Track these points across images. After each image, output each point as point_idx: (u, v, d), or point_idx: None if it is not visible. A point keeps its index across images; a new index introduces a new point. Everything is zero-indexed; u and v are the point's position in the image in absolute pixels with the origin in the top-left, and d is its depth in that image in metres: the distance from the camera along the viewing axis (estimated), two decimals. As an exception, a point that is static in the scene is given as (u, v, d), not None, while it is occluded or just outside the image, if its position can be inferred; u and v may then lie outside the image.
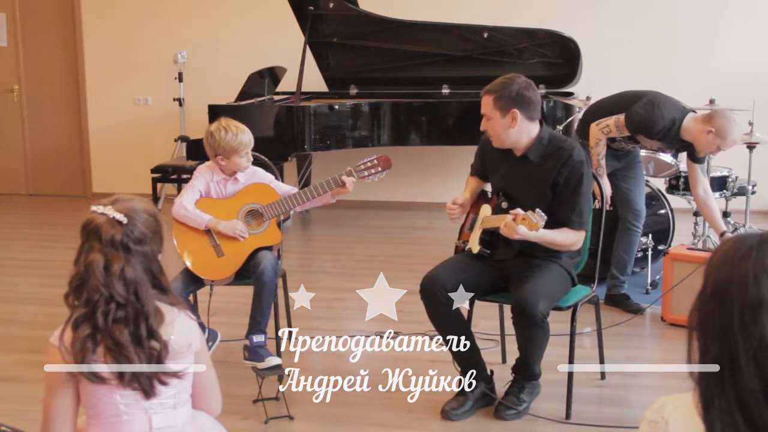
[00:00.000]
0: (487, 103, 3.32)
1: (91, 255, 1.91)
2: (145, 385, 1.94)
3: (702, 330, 1.41)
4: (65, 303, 1.96)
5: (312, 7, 6.59)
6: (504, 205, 3.39)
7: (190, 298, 3.79)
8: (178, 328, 2.01)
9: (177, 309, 2.03)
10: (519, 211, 3.11)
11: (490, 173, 3.55)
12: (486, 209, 3.50)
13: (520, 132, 3.31)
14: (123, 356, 1.90)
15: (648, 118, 4.30)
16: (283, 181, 4.36)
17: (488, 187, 3.66)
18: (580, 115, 5.50)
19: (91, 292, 1.91)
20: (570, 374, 3.39)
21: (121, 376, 1.91)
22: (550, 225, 3.16)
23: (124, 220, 1.93)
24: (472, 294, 3.44)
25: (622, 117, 4.36)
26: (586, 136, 4.52)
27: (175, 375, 1.98)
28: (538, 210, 3.07)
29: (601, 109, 4.61)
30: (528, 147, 3.35)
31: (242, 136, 3.68)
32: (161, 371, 1.95)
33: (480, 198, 3.64)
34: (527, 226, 3.08)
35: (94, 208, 1.96)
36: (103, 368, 1.91)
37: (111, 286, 1.89)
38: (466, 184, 3.65)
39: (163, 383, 1.96)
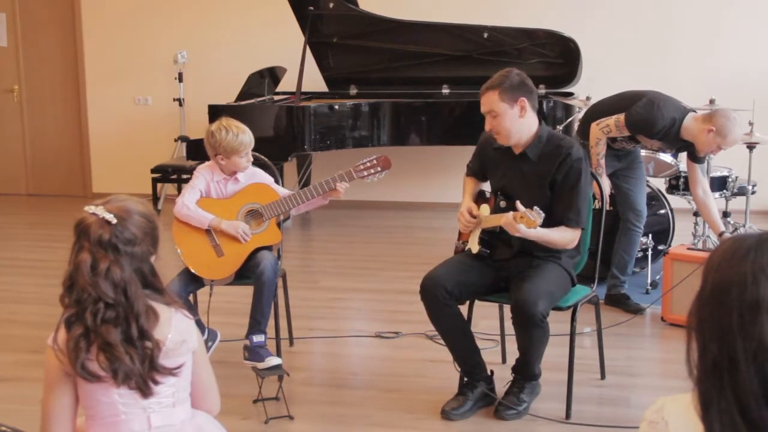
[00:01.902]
0: (491, 99, 3.29)
1: (81, 255, 1.92)
2: (140, 384, 1.94)
3: (701, 331, 1.41)
4: (61, 303, 1.96)
5: (312, 7, 6.59)
6: (503, 204, 3.39)
7: (190, 297, 3.79)
8: (175, 327, 2.01)
9: (173, 308, 2.03)
10: (519, 207, 3.11)
11: (489, 173, 3.55)
12: (485, 209, 3.49)
13: (526, 123, 3.31)
14: (113, 356, 1.90)
15: (648, 118, 4.30)
16: (282, 182, 4.36)
17: (486, 187, 3.66)
18: (580, 115, 5.50)
19: (80, 292, 1.91)
20: (570, 374, 3.39)
21: (114, 374, 1.92)
22: (547, 223, 3.17)
23: (114, 221, 1.93)
24: (473, 295, 3.45)
25: (622, 117, 4.36)
26: (587, 137, 4.52)
27: (170, 372, 1.98)
28: (536, 208, 3.07)
29: (601, 109, 4.61)
30: (527, 145, 3.35)
31: (243, 136, 3.68)
32: (155, 369, 1.95)
33: (478, 198, 3.63)
34: (525, 223, 3.08)
35: (86, 207, 1.96)
36: (95, 367, 1.92)
37: (98, 286, 1.90)
38: (464, 187, 3.64)
39: (156, 382, 1.96)
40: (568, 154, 3.29)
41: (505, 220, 3.15)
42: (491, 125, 3.34)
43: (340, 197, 3.75)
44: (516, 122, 3.29)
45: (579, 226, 3.33)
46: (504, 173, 3.44)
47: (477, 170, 3.61)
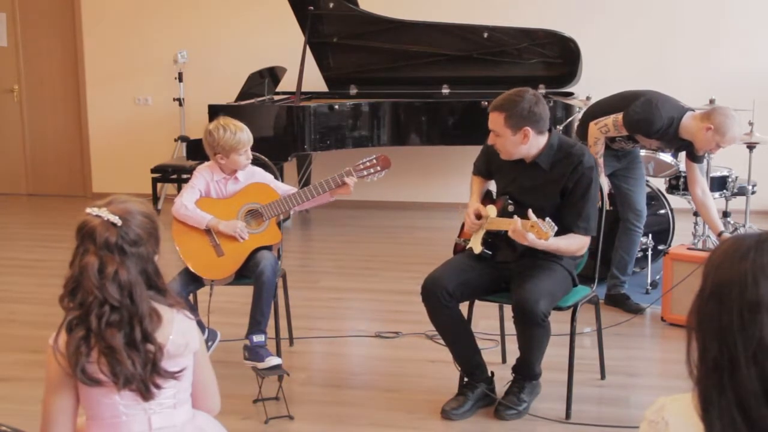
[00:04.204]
0: (497, 121, 3.29)
1: (86, 258, 1.90)
2: (141, 389, 1.93)
3: (701, 330, 1.41)
4: (60, 305, 1.95)
5: (312, 7, 6.59)
6: (510, 208, 3.37)
7: (190, 297, 3.79)
8: (177, 328, 2.00)
9: (175, 309, 2.03)
10: (531, 216, 3.10)
11: (497, 175, 3.54)
12: (491, 210, 3.47)
13: (530, 146, 3.31)
14: (116, 360, 1.90)
15: (646, 118, 4.29)
16: (282, 182, 4.35)
17: (492, 186, 3.65)
18: (580, 115, 5.50)
19: (85, 295, 1.90)
20: (570, 374, 3.39)
21: (115, 378, 1.91)
22: (557, 230, 3.14)
23: (119, 223, 1.92)
24: (474, 296, 3.44)
25: (620, 116, 4.36)
26: (586, 136, 4.51)
27: (172, 376, 1.98)
28: (548, 219, 3.06)
29: (600, 109, 4.60)
30: (538, 155, 3.34)
31: (240, 134, 3.68)
32: (157, 373, 1.94)
33: (485, 198, 3.62)
34: (536, 234, 3.06)
35: (88, 210, 1.94)
36: (94, 371, 1.91)
37: (105, 289, 1.88)
38: (471, 186, 3.64)
39: (158, 387, 1.96)
40: (580, 162, 3.29)
41: (513, 227, 3.14)
42: (494, 143, 3.35)
43: (350, 193, 3.74)
44: (518, 147, 3.30)
45: (588, 233, 3.32)
46: (514, 179, 3.43)
47: (483, 169, 3.61)
